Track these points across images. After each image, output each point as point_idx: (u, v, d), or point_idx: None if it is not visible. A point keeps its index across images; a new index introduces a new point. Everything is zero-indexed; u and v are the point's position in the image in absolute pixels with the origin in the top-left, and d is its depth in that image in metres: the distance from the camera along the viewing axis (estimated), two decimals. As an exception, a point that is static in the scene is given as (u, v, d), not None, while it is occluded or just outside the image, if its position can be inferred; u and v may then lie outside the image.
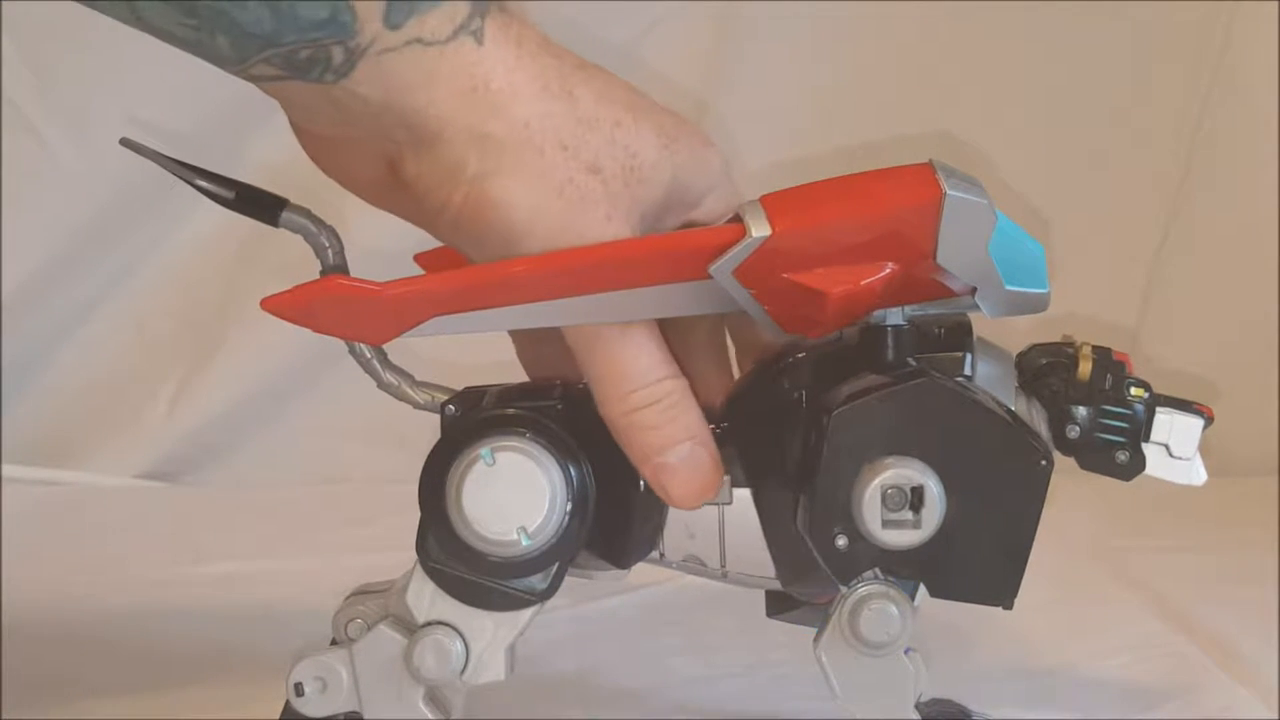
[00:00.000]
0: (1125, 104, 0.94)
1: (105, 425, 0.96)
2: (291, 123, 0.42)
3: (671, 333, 0.42)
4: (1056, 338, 0.46)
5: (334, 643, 0.46)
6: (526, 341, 0.48)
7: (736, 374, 0.47)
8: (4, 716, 0.55)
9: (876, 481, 0.40)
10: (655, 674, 0.60)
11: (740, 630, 0.63)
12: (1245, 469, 0.90)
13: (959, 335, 0.43)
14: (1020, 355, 0.46)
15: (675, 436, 0.41)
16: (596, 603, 0.67)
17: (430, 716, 0.44)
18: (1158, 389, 0.45)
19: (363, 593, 0.47)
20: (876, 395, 0.40)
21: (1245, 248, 0.96)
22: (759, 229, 0.39)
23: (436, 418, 0.44)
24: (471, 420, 0.43)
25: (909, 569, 0.41)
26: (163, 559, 0.77)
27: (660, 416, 0.41)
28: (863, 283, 0.39)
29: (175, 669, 0.60)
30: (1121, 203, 0.96)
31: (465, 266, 0.39)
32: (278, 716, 0.45)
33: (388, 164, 0.40)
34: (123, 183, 0.90)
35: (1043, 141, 0.94)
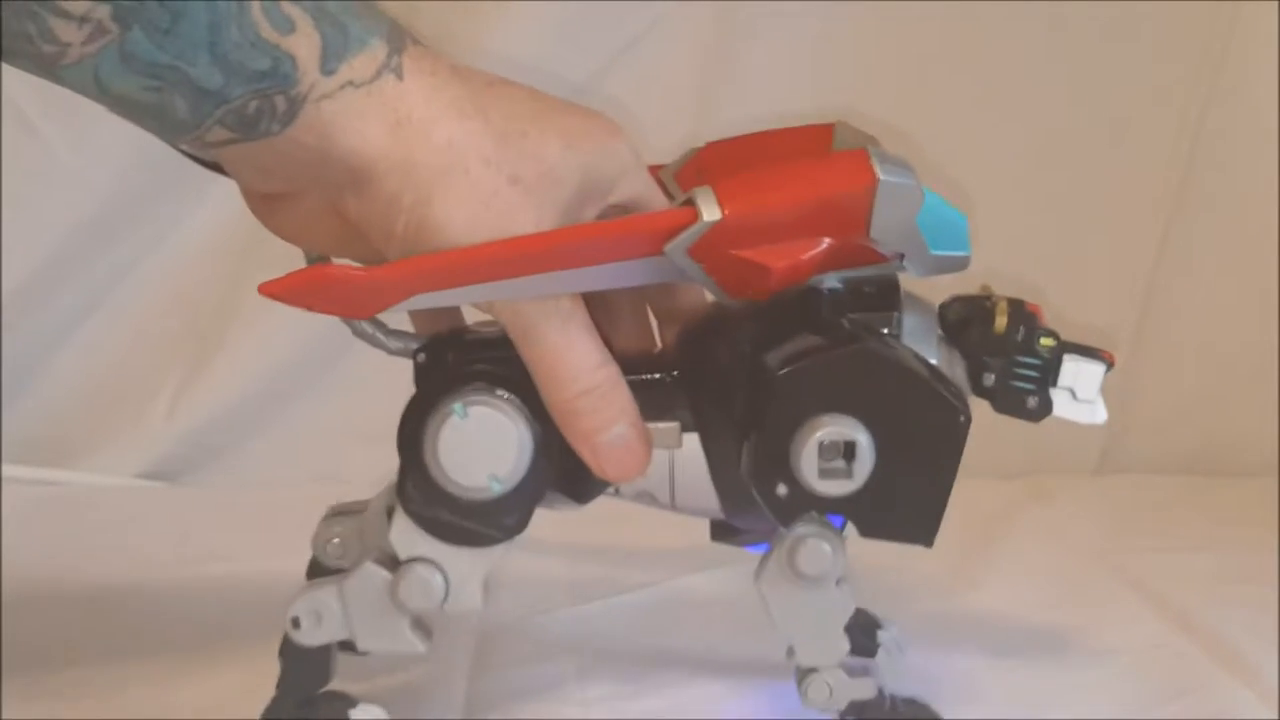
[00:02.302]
0: (1125, 105, 0.94)
1: (105, 425, 0.96)
2: (242, 189, 0.44)
3: (599, 304, 0.46)
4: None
5: (314, 560, 0.52)
6: (425, 320, 0.51)
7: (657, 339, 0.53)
8: (4, 717, 0.55)
9: (814, 437, 0.43)
10: (654, 674, 0.61)
11: (739, 631, 0.62)
12: (1245, 469, 0.90)
13: (888, 293, 0.48)
14: (943, 306, 0.50)
15: (610, 420, 0.45)
16: (596, 602, 0.67)
17: (416, 641, 0.49)
18: (1066, 337, 0.50)
19: (339, 513, 0.53)
20: (817, 359, 0.44)
21: (1245, 249, 0.96)
22: (710, 213, 0.42)
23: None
24: (445, 376, 0.47)
25: (842, 510, 0.45)
26: (163, 559, 0.77)
27: (598, 402, 0.45)
28: (803, 257, 0.43)
29: (175, 669, 0.61)
30: (1121, 204, 0.95)
31: (443, 251, 0.42)
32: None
33: (335, 212, 0.43)
34: (122, 182, 0.90)
35: (1042, 142, 0.94)
